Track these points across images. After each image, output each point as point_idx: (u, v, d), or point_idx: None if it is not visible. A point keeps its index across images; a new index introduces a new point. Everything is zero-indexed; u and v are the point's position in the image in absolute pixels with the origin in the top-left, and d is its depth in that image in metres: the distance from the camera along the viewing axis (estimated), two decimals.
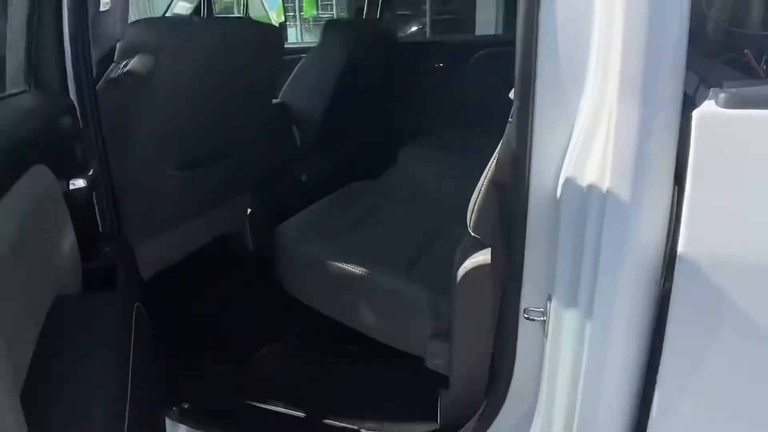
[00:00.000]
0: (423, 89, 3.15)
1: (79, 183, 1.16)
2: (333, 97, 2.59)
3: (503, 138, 1.12)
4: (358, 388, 1.63)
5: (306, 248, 1.55)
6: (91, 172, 1.21)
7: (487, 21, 9.84)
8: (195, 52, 1.52)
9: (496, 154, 1.16)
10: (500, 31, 10.00)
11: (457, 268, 1.30)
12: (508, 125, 1.11)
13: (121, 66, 1.49)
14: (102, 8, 1.34)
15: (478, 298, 1.26)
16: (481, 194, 1.19)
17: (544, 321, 1.00)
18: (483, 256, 1.26)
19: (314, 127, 2.63)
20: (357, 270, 1.46)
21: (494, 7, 10.24)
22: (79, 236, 1.16)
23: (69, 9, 1.22)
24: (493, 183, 1.16)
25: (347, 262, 1.49)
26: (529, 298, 1.05)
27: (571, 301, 0.92)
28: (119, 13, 1.33)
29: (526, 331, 1.09)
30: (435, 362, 1.42)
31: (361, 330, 1.55)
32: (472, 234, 1.24)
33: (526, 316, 1.03)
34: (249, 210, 2.30)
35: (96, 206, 1.32)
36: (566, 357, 0.96)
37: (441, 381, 1.44)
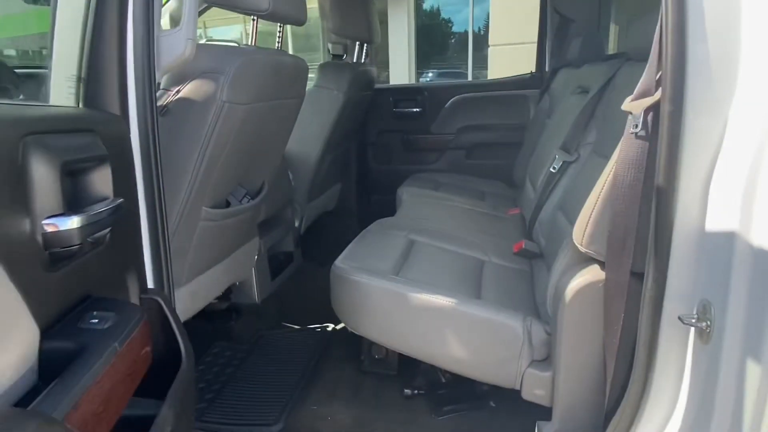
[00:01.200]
0: (402, 132, 3.18)
1: (64, 224, 0.76)
2: (327, 141, 2.53)
3: (619, 154, 1.13)
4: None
5: (378, 282, 1.43)
6: (99, 210, 0.82)
7: (400, 72, 10.46)
8: (250, 78, 1.42)
9: (610, 169, 1.16)
10: (413, 80, 10.64)
11: (563, 290, 1.26)
12: (625, 138, 1.12)
13: (173, 92, 1.35)
14: (164, 27, 1.21)
15: (590, 318, 1.23)
16: (596, 210, 1.18)
17: (706, 326, 0.99)
18: (591, 274, 1.24)
19: (308, 172, 2.54)
20: (442, 300, 1.37)
21: (407, 61, 10.88)
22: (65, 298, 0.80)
23: (134, 28, 1.09)
24: (611, 196, 1.15)
25: (427, 293, 1.40)
26: (678, 305, 1.04)
27: (755, 322, 0.91)
28: (190, 32, 1.21)
29: (668, 340, 1.07)
30: (534, 393, 1.35)
31: (442, 365, 1.45)
32: (583, 250, 1.23)
33: (684, 321, 1.01)
34: (256, 257, 2.13)
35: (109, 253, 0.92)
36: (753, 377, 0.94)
37: (538, 413, 1.37)
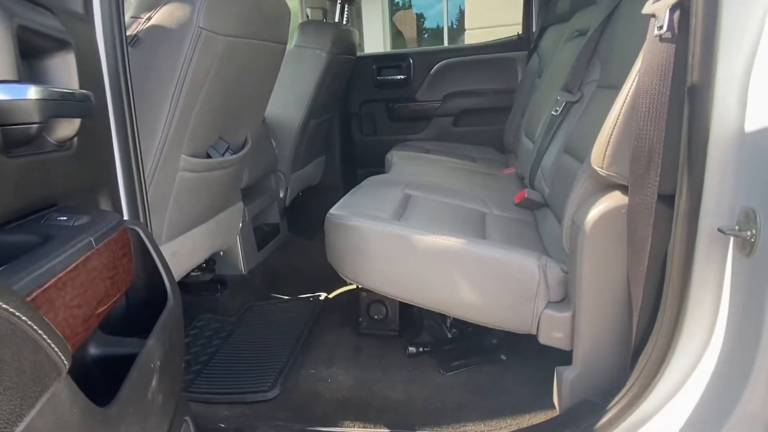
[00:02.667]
0: (386, 101, 3.06)
1: (19, 92, 0.58)
2: (311, 105, 2.40)
3: (641, 63, 1.04)
4: (438, 390, 1.40)
5: (379, 226, 1.31)
6: (63, 89, 0.67)
7: (375, 40, 10.35)
8: (229, 4, 1.29)
9: (631, 83, 1.07)
10: (389, 48, 10.58)
11: (581, 220, 1.17)
12: (648, 45, 1.03)
13: (143, 20, 1.22)
14: None
15: (612, 247, 1.14)
16: (617, 128, 1.09)
17: (751, 235, 0.89)
18: (612, 200, 1.15)
19: (292, 138, 2.42)
20: (449, 241, 1.26)
21: (381, 28, 10.76)
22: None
23: None
24: (633, 109, 1.06)
25: (432, 234, 1.29)
26: (716, 218, 0.95)
27: None
28: None
29: (705, 258, 0.98)
30: (552, 336, 1.25)
31: (452, 312, 1.34)
32: (604, 173, 1.13)
33: (726, 232, 0.91)
34: (240, 224, 2.00)
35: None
36: None
37: (552, 363, 1.28)
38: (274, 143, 2.37)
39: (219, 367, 1.58)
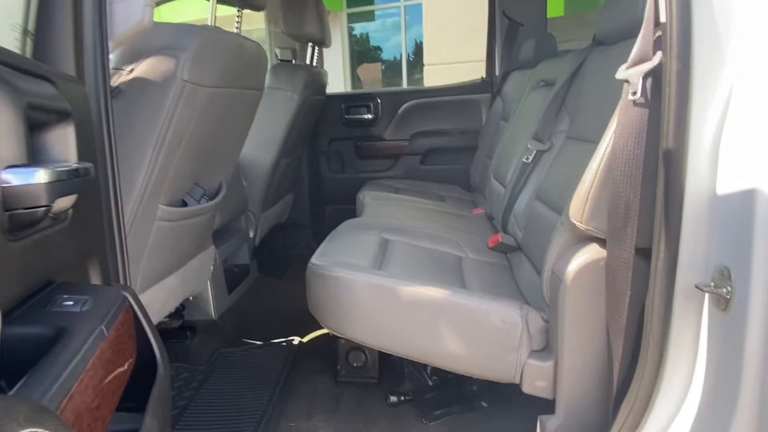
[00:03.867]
0: (354, 140, 3.09)
1: (29, 177, 0.57)
2: (282, 145, 2.40)
3: (617, 125, 1.09)
4: None
5: (362, 277, 1.31)
6: (69, 167, 0.65)
7: (336, 83, 10.46)
8: (214, 57, 1.29)
9: (607, 142, 1.12)
10: (350, 89, 10.70)
11: (561, 272, 1.20)
12: (622, 108, 1.09)
13: (126, 72, 1.20)
14: None
15: (592, 299, 1.18)
16: (595, 184, 1.14)
17: (726, 292, 0.95)
18: (591, 253, 1.19)
19: (262, 178, 2.40)
20: (433, 292, 1.27)
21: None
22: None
23: None
24: (610, 168, 1.11)
25: (415, 285, 1.30)
26: (692, 274, 1.00)
27: None
28: None
29: (684, 312, 1.02)
30: (535, 385, 1.27)
31: (436, 362, 1.33)
32: (584, 228, 1.17)
33: (703, 289, 0.96)
34: (212, 267, 1.95)
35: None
36: None
37: (534, 410, 1.29)
38: (244, 183, 2.34)
39: (191, 424, 1.52)
